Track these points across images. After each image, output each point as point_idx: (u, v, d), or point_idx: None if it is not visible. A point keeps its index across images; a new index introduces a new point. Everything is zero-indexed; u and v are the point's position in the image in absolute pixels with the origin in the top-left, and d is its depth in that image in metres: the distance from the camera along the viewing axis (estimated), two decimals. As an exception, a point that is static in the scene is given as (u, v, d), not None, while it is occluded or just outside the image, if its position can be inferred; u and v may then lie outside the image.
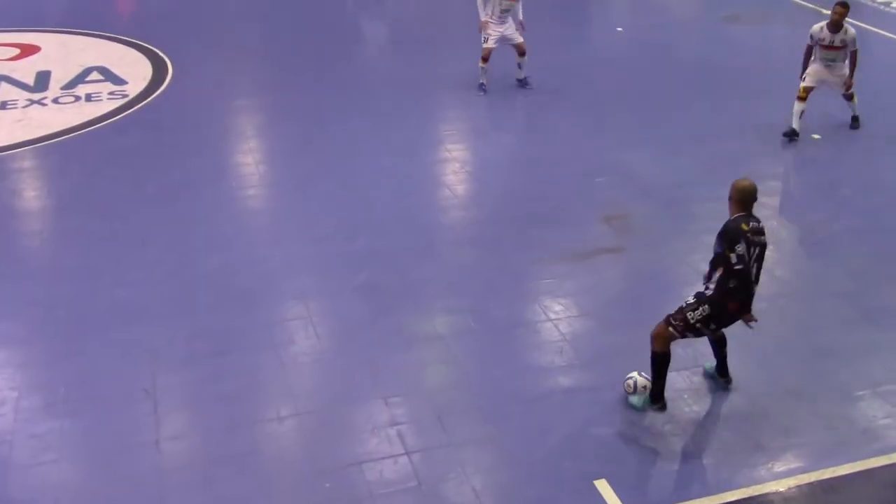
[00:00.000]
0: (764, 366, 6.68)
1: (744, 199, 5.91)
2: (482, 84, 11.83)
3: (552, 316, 7.28)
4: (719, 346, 6.35)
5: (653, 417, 6.13)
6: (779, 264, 8.30)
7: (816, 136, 10.71)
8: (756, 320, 6.02)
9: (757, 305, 7.15)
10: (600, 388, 6.38)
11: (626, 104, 11.83)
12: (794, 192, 9.92)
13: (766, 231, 5.94)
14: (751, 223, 5.83)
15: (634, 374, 6.18)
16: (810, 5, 16.05)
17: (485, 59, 11.73)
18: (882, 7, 16.30)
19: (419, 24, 15.57)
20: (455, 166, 10.19)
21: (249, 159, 10.27)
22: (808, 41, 10.41)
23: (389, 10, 16.97)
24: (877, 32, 14.70)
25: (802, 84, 10.44)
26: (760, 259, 5.90)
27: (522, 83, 12.05)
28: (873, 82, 11.72)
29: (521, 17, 11.70)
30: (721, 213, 8.81)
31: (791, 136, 10.46)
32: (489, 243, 8.45)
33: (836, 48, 10.24)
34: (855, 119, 10.88)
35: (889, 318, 7.32)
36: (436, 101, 11.97)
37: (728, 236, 5.76)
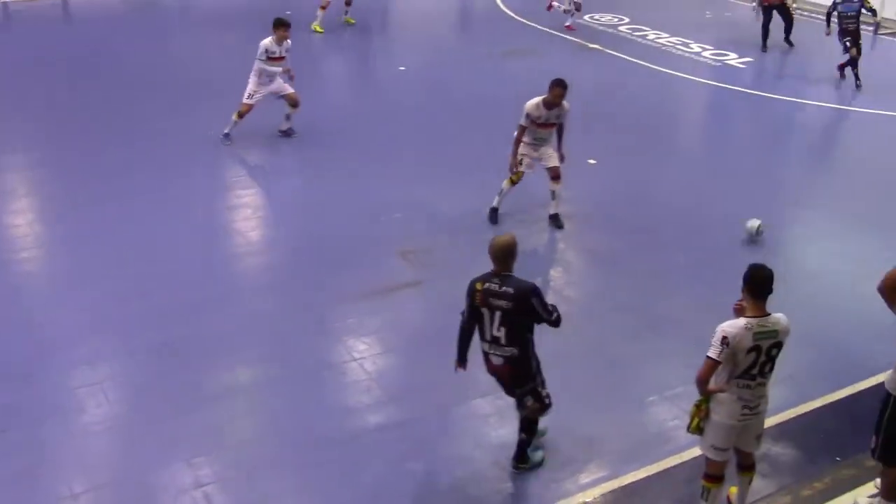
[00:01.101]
0: (564, 381, 6.93)
1: (493, 255, 5.56)
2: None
3: (356, 355, 7.25)
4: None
5: (461, 445, 6.22)
6: (567, 285, 8.74)
7: (592, 161, 11.33)
8: (464, 369, 5.90)
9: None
10: (410, 422, 6.42)
11: (412, 140, 12.07)
12: (577, 214, 10.38)
13: (518, 296, 5.42)
14: (488, 284, 5.47)
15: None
16: (578, 40, 17.15)
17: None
18: (640, 39, 17.63)
19: (198, 71, 15.18)
20: (247, 212, 9.98)
21: (20, 220, 9.57)
22: (522, 121, 9.24)
23: (171, 56, 16.42)
24: (640, 64, 15.90)
25: (518, 170, 9.48)
26: (506, 324, 5.47)
27: None
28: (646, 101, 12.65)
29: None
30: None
31: (492, 217, 9.69)
32: (287, 288, 8.33)
33: (551, 126, 9.37)
34: (554, 217, 9.77)
35: (669, 326, 7.83)
36: (222, 148, 11.66)
37: (467, 289, 5.61)
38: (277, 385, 6.90)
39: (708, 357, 5.11)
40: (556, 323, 5.63)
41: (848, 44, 14.61)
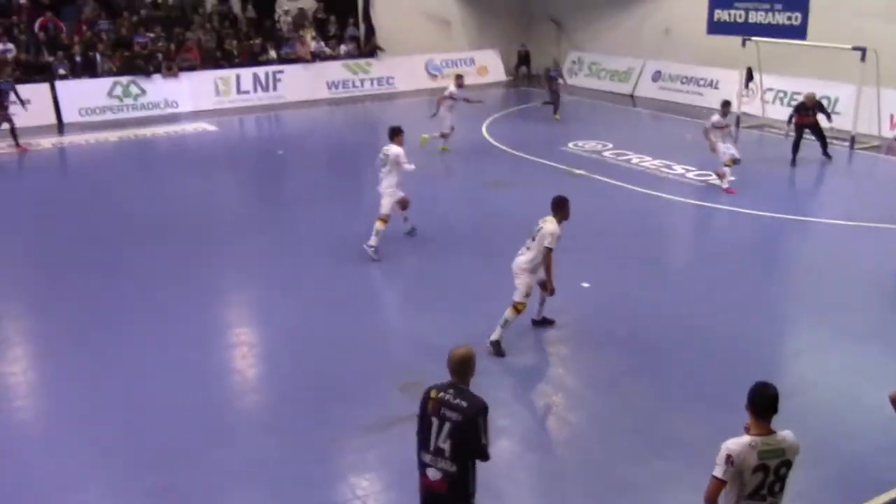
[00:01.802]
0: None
1: (451, 367, 5.51)
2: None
3: (360, 493, 7.10)
4: None
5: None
6: (570, 409, 8.66)
7: (586, 284, 11.41)
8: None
9: (556, 450, 7.40)
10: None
11: (412, 273, 12.15)
12: (573, 337, 10.38)
13: (469, 412, 5.32)
14: (443, 393, 5.41)
15: None
16: (563, 166, 17.58)
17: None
18: (625, 164, 18.09)
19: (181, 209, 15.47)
20: (244, 350, 9.96)
21: (16, 368, 9.52)
22: (552, 244, 9.30)
23: (165, 197, 16.76)
24: (626, 187, 16.25)
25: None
26: (454, 437, 5.34)
27: None
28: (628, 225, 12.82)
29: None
30: (509, 368, 9.25)
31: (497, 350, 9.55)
32: (286, 425, 8.22)
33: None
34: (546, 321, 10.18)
35: (673, 449, 7.73)
36: (216, 286, 11.75)
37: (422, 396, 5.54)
38: (279, 528, 6.72)
39: (713, 476, 5.03)
40: (483, 453, 5.43)
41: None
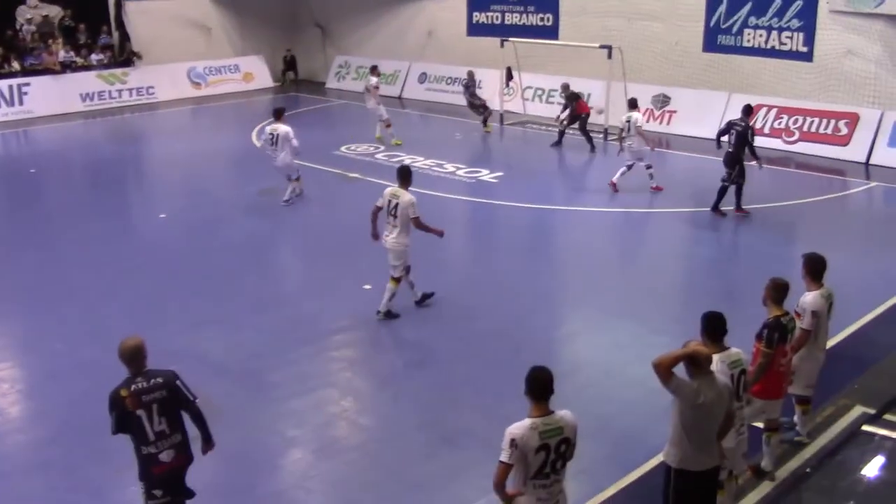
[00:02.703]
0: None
1: (127, 357, 5.83)
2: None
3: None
4: None
5: None
6: (360, 413, 8.66)
7: (367, 286, 11.46)
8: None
9: (348, 455, 7.38)
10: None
11: (184, 287, 11.68)
12: (358, 341, 10.40)
13: (168, 382, 5.78)
14: (135, 385, 5.71)
15: None
16: (337, 170, 17.56)
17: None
18: (397, 164, 18.34)
19: None
20: (3, 387, 9.14)
21: None
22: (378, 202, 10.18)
23: None
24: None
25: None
26: (167, 412, 5.76)
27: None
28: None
29: None
30: (295, 377, 9.12)
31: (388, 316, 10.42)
32: (61, 462, 7.64)
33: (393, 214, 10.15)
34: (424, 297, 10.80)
35: (464, 437, 7.93)
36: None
37: (108, 402, 5.76)
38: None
39: (500, 461, 5.21)
40: (196, 407, 5.89)
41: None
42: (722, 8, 20.54)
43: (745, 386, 6.50)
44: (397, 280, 10.35)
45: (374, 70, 21.01)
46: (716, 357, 6.10)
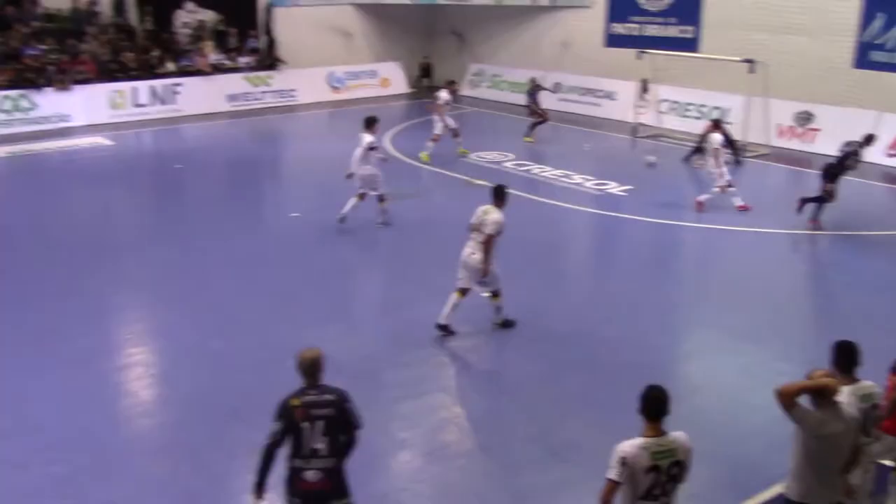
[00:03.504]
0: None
1: (304, 369, 5.67)
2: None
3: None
4: None
5: None
6: (470, 419, 8.67)
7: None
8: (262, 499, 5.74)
9: (457, 461, 7.39)
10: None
11: (310, 286, 12.00)
12: (472, 345, 10.42)
13: (339, 402, 5.63)
14: (306, 397, 5.56)
15: None
16: (464, 177, 17.66)
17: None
18: (525, 174, 18.32)
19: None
20: (138, 371, 9.64)
21: None
22: (493, 231, 9.72)
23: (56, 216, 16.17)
24: (527, 197, 16.43)
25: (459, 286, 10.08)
26: (329, 432, 5.56)
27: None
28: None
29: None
30: (409, 380, 9.21)
31: (444, 331, 10.15)
32: (182, 448, 7.99)
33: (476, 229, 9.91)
34: (506, 323, 10.40)
35: (572, 452, 7.82)
36: (109, 303, 11.38)
37: (277, 410, 5.60)
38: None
39: (608, 478, 5.11)
40: (357, 432, 5.74)
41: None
42: (878, 22, 19.54)
43: (876, 420, 6.15)
44: (497, 295, 10.20)
45: (450, 85, 20.14)
46: (846, 389, 5.80)
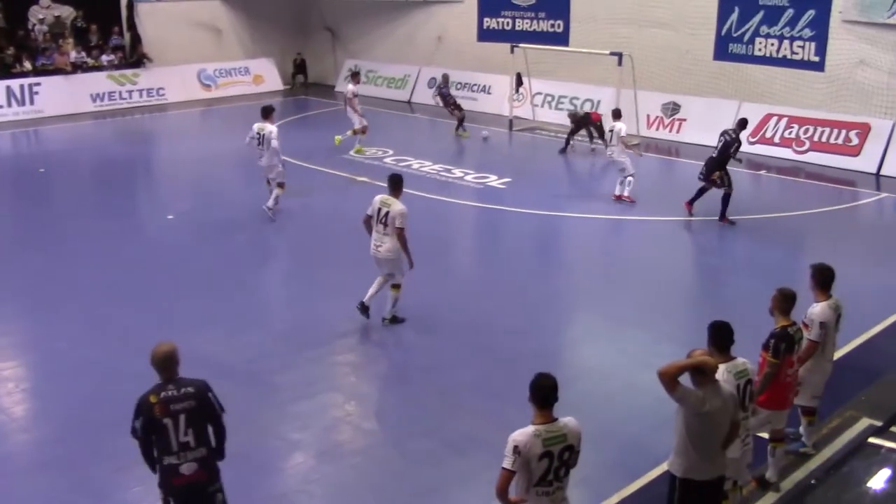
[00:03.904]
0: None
1: (159, 364, 5.71)
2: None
3: (146, 525, 6.70)
4: None
5: None
6: (364, 417, 8.63)
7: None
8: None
9: (352, 459, 7.35)
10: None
11: (189, 288, 11.66)
12: (364, 344, 10.37)
13: (199, 394, 5.68)
14: (164, 393, 5.61)
15: None
16: (345, 174, 17.55)
17: None
18: (406, 169, 18.35)
19: None
20: (9, 387, 9.14)
21: None
22: (402, 223, 9.84)
23: None
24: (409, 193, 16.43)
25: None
26: (194, 423, 5.64)
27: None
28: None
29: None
30: (300, 380, 9.10)
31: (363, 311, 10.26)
32: (63, 462, 7.63)
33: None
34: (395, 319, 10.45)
35: (468, 444, 7.89)
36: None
37: (135, 407, 5.64)
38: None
39: (503, 468, 5.19)
40: (222, 422, 5.85)
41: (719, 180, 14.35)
42: (733, 16, 20.50)
43: (751, 396, 6.46)
44: (398, 286, 10.27)
45: (354, 77, 20.17)
46: (722, 367, 6.07)
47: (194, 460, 5.65)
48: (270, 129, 14.27)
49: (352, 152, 19.22)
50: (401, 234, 9.84)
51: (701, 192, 14.66)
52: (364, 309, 10.22)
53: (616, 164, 15.94)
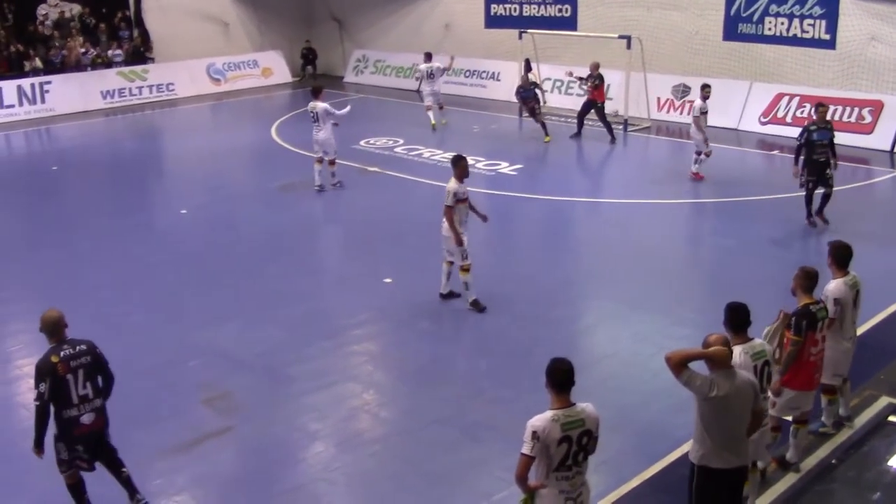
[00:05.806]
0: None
1: (48, 329, 6.45)
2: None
3: (170, 517, 6.75)
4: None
5: None
6: (381, 406, 8.64)
7: (388, 280, 11.46)
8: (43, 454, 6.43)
9: (371, 448, 7.36)
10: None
11: (204, 283, 11.70)
12: (380, 333, 10.40)
13: (91, 349, 6.41)
14: (63, 352, 6.28)
15: None
16: (356, 164, 17.54)
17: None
18: (416, 158, 18.33)
19: None
20: (30, 383, 9.17)
21: None
22: (450, 202, 10.07)
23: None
24: (419, 181, 16.46)
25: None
26: (91, 376, 6.35)
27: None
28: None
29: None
30: (315, 372, 9.11)
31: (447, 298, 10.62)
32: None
33: (466, 201, 10.39)
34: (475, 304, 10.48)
35: (485, 431, 7.90)
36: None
37: (39, 371, 6.22)
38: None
39: (522, 454, 5.18)
40: (110, 370, 6.58)
41: (811, 183, 12.97)
42: (742, -4, 20.36)
43: (769, 378, 6.42)
44: (465, 269, 10.33)
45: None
46: (738, 348, 6.02)
47: (92, 410, 6.36)
48: (323, 105, 15.34)
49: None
50: (448, 212, 10.11)
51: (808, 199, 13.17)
52: (446, 297, 10.63)
53: (694, 140, 15.97)
